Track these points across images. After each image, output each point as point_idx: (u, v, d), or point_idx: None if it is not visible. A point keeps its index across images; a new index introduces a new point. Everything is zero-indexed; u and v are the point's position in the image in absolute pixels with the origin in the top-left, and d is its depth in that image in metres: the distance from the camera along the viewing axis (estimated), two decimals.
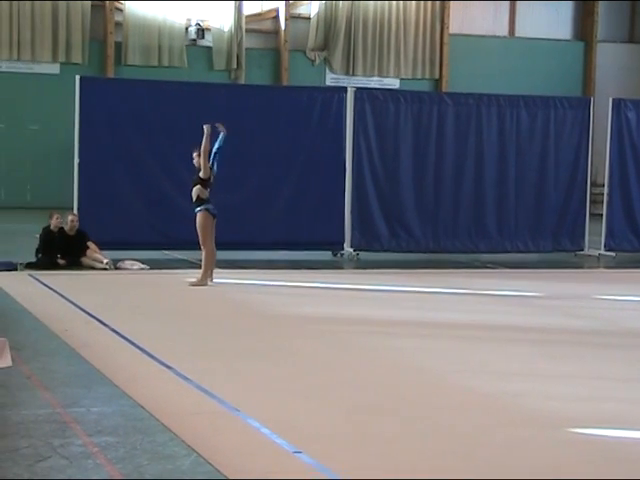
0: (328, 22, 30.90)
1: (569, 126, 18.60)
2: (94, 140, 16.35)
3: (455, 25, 32.08)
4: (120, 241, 15.97)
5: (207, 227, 13.56)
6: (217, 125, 13.59)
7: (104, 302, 11.83)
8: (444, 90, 30.42)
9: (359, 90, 18.14)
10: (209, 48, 29.94)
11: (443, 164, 17.93)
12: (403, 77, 31.39)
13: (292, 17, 30.71)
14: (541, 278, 16.09)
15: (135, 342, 9.31)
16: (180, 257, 16.50)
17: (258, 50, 30.51)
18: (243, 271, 15.39)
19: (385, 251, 17.68)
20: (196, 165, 13.58)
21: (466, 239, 18.09)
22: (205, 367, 8.36)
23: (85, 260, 15.23)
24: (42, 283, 13.37)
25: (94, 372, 8.05)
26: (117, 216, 16.28)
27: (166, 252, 16.86)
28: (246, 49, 30.10)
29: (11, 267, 14.62)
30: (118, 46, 29.13)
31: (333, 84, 29.83)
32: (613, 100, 19.23)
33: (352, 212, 17.45)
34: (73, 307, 11.43)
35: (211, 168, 13.57)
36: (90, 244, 15.37)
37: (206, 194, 13.52)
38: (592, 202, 19.45)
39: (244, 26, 30.01)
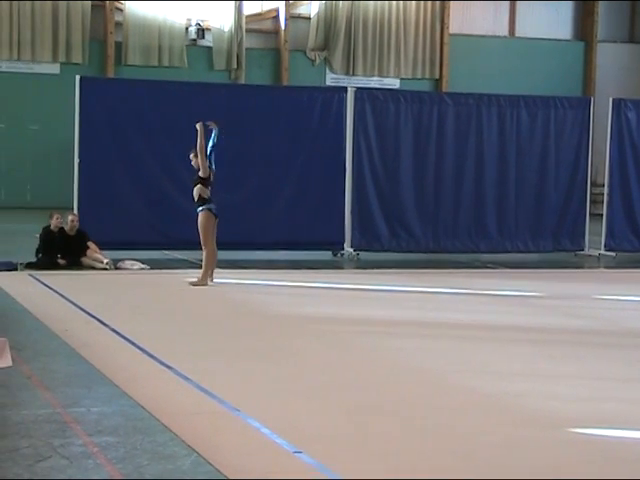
0: (328, 22, 30.91)
1: (569, 126, 18.60)
2: (94, 140, 16.35)
3: (455, 25, 32.08)
4: (120, 241, 15.97)
5: (209, 227, 13.55)
6: (208, 123, 13.57)
7: (104, 302, 11.82)
8: (444, 90, 30.43)
9: (359, 90, 18.15)
10: (209, 48, 29.95)
11: (443, 164, 17.93)
12: (403, 77, 31.39)
13: (292, 17, 30.72)
14: (541, 278, 16.09)
15: (135, 342, 9.31)
16: (180, 257, 16.50)
17: (258, 50, 30.52)
18: (243, 271, 15.39)
19: (385, 251, 17.68)
20: (194, 166, 13.57)
21: (466, 239, 18.09)
22: (205, 367, 8.35)
23: (85, 260, 15.23)
24: (42, 283, 13.37)
25: (94, 372, 8.05)
26: (117, 216, 16.28)
27: (166, 252, 16.86)
28: (246, 49, 30.10)
29: (11, 267, 14.62)
30: (118, 46, 29.14)
31: (333, 84, 29.83)
32: (613, 100, 19.23)
33: (352, 212, 17.45)
34: (73, 307, 11.43)
35: (209, 167, 13.56)
36: (90, 244, 15.37)
37: (207, 193, 13.51)
38: (592, 202, 19.45)
39: (244, 26, 30.02)
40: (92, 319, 10.61)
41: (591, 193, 19.10)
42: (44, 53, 28.57)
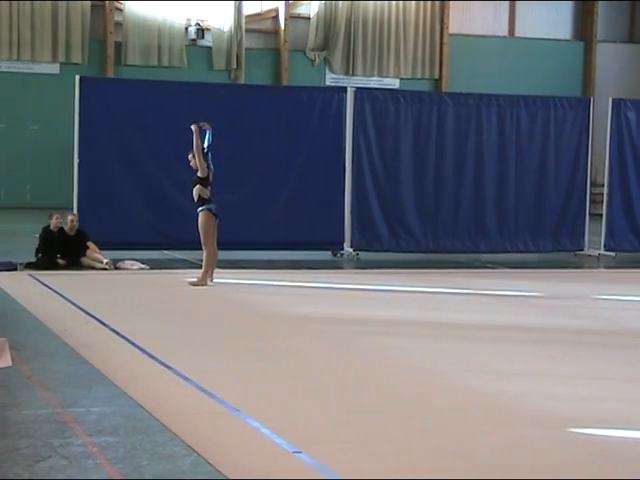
0: (328, 22, 30.91)
1: (569, 126, 18.60)
2: (94, 140, 16.35)
3: (455, 25, 32.08)
4: (120, 241, 15.97)
5: (209, 227, 13.55)
6: (202, 124, 13.58)
7: (104, 302, 11.82)
8: (444, 90, 30.43)
9: (359, 90, 18.15)
10: (209, 48, 29.95)
11: (443, 164, 17.93)
12: (403, 77, 31.39)
13: (292, 17, 30.71)
14: (541, 278, 16.09)
15: (135, 342, 9.31)
16: (180, 257, 16.50)
17: (258, 50, 30.52)
18: (243, 271, 15.39)
19: (385, 251, 17.68)
20: (193, 167, 13.57)
21: (466, 239, 18.09)
22: (205, 367, 8.35)
23: (85, 260, 15.23)
24: (42, 283, 13.37)
25: (94, 372, 8.05)
26: (117, 216, 16.27)
27: (166, 252, 16.86)
28: (246, 49, 30.10)
29: (11, 267, 14.62)
30: (118, 46, 29.14)
31: (333, 84, 29.84)
32: (613, 100, 19.23)
33: (352, 212, 17.45)
34: (73, 307, 11.43)
35: (208, 167, 13.56)
36: (90, 244, 15.37)
37: (207, 193, 13.51)
38: (592, 202, 19.46)
39: (244, 26, 30.02)
40: (92, 319, 10.60)
41: (591, 193, 19.10)
42: (44, 53, 28.56)
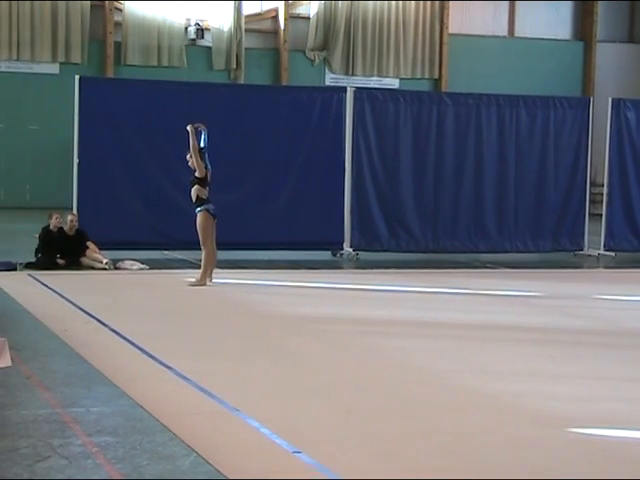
0: (327, 22, 30.91)
1: (569, 126, 18.60)
2: (93, 140, 16.34)
3: (454, 25, 32.09)
4: (119, 241, 15.97)
5: (207, 227, 13.54)
6: (197, 125, 13.59)
7: (104, 302, 11.82)
8: (443, 90, 30.44)
9: (359, 90, 18.15)
10: (209, 48, 29.95)
11: (443, 164, 17.93)
12: (402, 77, 31.40)
13: (291, 17, 30.72)
14: (541, 278, 16.09)
15: (135, 342, 9.31)
16: (180, 257, 16.50)
17: (258, 50, 30.52)
18: (243, 271, 15.38)
19: (385, 251, 17.68)
20: (191, 166, 13.57)
21: (466, 239, 18.09)
22: (205, 367, 8.35)
23: (84, 260, 15.23)
24: (42, 283, 13.37)
25: (94, 372, 8.04)
26: (117, 216, 16.27)
27: (165, 252, 16.86)
28: (246, 49, 30.11)
29: (11, 267, 14.61)
30: (118, 46, 29.15)
31: (332, 84, 29.85)
32: (612, 100, 19.23)
33: (352, 212, 17.44)
34: (73, 307, 11.42)
35: (206, 167, 13.56)
36: (89, 244, 15.37)
37: (205, 193, 13.51)
38: (592, 202, 19.47)
39: (243, 26, 30.03)
40: (91, 319, 10.60)
41: (590, 193, 19.11)
42: (43, 53, 28.57)
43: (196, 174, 13.53)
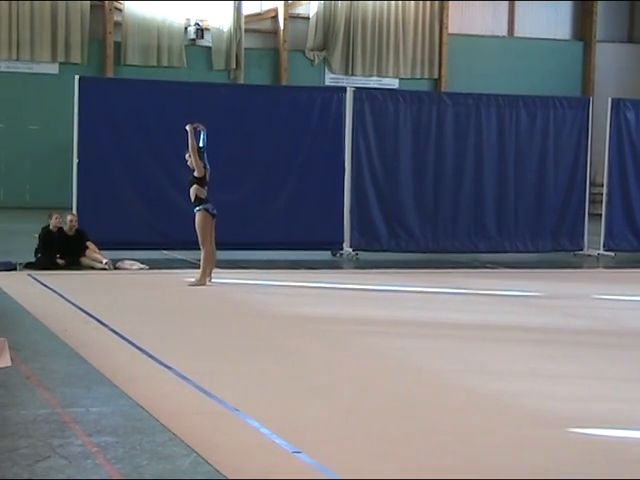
0: (327, 22, 30.92)
1: (568, 126, 18.60)
2: (93, 140, 16.34)
3: (454, 25, 32.10)
4: (119, 241, 15.97)
5: (206, 227, 13.54)
6: (196, 125, 13.59)
7: (103, 302, 11.81)
8: (443, 90, 30.45)
9: (358, 90, 18.15)
10: (208, 48, 29.96)
11: (442, 164, 17.93)
12: (402, 77, 31.41)
13: (291, 17, 30.72)
14: (540, 278, 16.09)
15: (134, 342, 9.30)
16: (179, 257, 16.50)
17: (257, 50, 30.52)
18: (243, 271, 15.38)
19: (384, 251, 17.68)
20: (190, 166, 13.57)
21: (465, 239, 18.09)
22: (205, 367, 8.35)
23: (84, 260, 15.22)
24: (41, 283, 13.37)
25: (93, 372, 8.04)
26: (116, 216, 16.27)
27: (165, 252, 16.86)
28: (245, 49, 30.12)
29: (10, 267, 14.61)
30: (117, 46, 29.16)
31: (332, 84, 29.86)
32: (612, 100, 19.23)
33: (351, 212, 17.45)
34: (72, 307, 11.42)
35: (204, 166, 13.56)
36: (89, 244, 15.37)
37: (204, 193, 13.51)
38: (591, 202, 19.47)
39: (243, 26, 30.04)
40: (91, 319, 10.60)
41: (590, 193, 19.11)
42: (43, 53, 28.58)
43: (195, 174, 13.53)
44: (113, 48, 29.04)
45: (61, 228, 15.41)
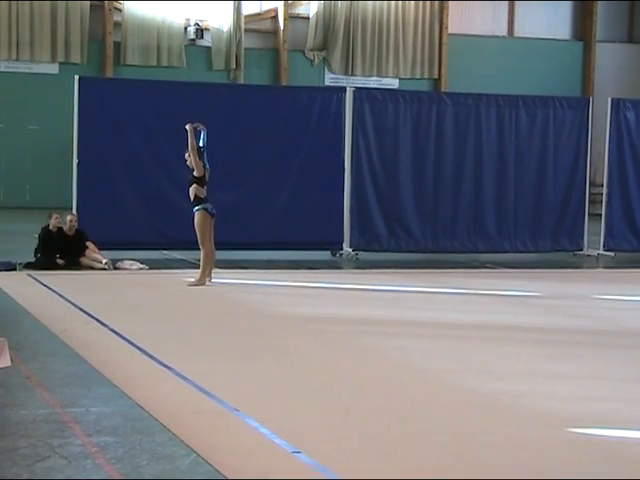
0: (327, 22, 30.93)
1: (568, 126, 18.61)
2: (93, 140, 16.35)
3: (454, 25, 32.10)
4: (119, 241, 15.97)
5: (205, 227, 13.54)
6: (196, 125, 13.60)
7: (103, 302, 11.81)
8: (443, 90, 30.46)
9: (358, 90, 18.15)
10: (208, 48, 29.97)
11: (442, 164, 17.93)
12: (402, 77, 31.42)
13: (291, 17, 30.73)
14: (540, 278, 16.09)
15: (134, 342, 9.31)
16: (179, 257, 16.50)
17: (257, 50, 30.53)
18: (242, 271, 15.39)
19: (384, 251, 17.68)
20: (189, 165, 13.57)
21: (465, 239, 18.09)
22: (204, 367, 8.35)
23: (84, 260, 15.23)
24: (41, 283, 13.37)
25: (93, 372, 8.04)
26: (116, 216, 16.27)
27: (165, 252, 16.87)
28: (245, 49, 30.12)
29: (10, 267, 14.61)
30: (117, 46, 29.17)
31: (332, 84, 29.86)
32: (612, 100, 19.23)
33: (351, 212, 17.45)
34: (72, 307, 11.42)
35: (204, 166, 13.56)
36: (89, 244, 15.37)
37: (203, 193, 13.51)
38: (591, 202, 19.46)
39: (243, 26, 30.05)
40: (91, 319, 10.60)
41: (590, 193, 19.10)
42: (43, 53, 28.58)
43: (194, 173, 13.53)
44: (113, 48, 29.05)
45: (61, 228, 15.41)
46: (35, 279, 13.76)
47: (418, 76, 31.65)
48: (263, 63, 30.55)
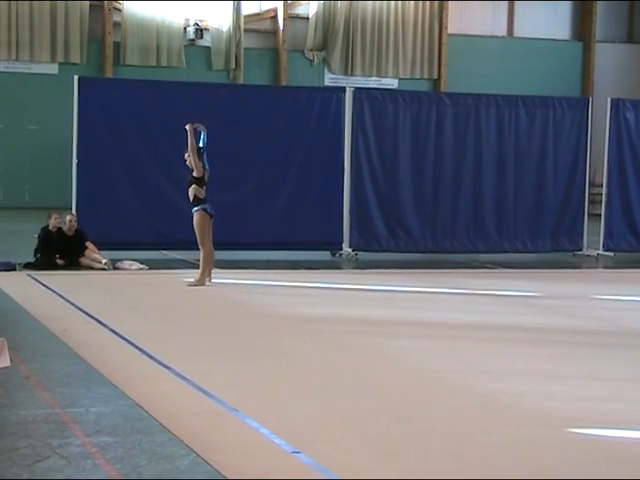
0: (327, 22, 30.93)
1: (568, 126, 18.60)
2: (93, 140, 16.35)
3: (454, 25, 32.11)
4: (119, 241, 15.97)
5: (204, 227, 13.55)
6: (196, 125, 13.60)
7: (103, 302, 11.82)
8: (443, 90, 30.46)
9: (358, 90, 18.14)
10: (208, 48, 29.97)
11: (442, 164, 17.93)
12: (402, 77, 31.42)
13: (291, 17, 30.73)
14: (540, 278, 16.09)
15: (134, 342, 9.31)
16: (178, 257, 16.50)
17: (257, 50, 30.53)
18: (242, 271, 15.39)
19: (384, 251, 17.68)
20: (189, 165, 13.58)
21: (465, 239, 18.09)
22: (204, 367, 8.35)
23: (84, 260, 15.23)
24: (41, 283, 13.37)
25: (93, 372, 8.04)
26: (116, 216, 16.27)
27: (164, 252, 16.87)
28: (245, 49, 30.12)
29: (10, 267, 14.61)
30: (117, 46, 29.17)
31: (332, 84, 29.86)
32: (612, 100, 19.23)
33: (351, 212, 17.45)
34: (72, 307, 11.42)
35: (204, 167, 13.56)
36: (88, 244, 15.37)
37: (203, 193, 13.51)
38: (591, 202, 19.45)
39: (243, 26, 30.05)
40: (91, 319, 10.60)
41: (589, 193, 19.10)
42: (42, 53, 28.58)
43: (194, 174, 13.54)
44: (112, 48, 29.05)
45: (60, 228, 15.41)
46: (35, 279, 13.76)
47: (418, 76, 31.65)
48: (263, 63, 30.56)
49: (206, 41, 30.00)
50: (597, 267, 17.89)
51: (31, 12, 28.45)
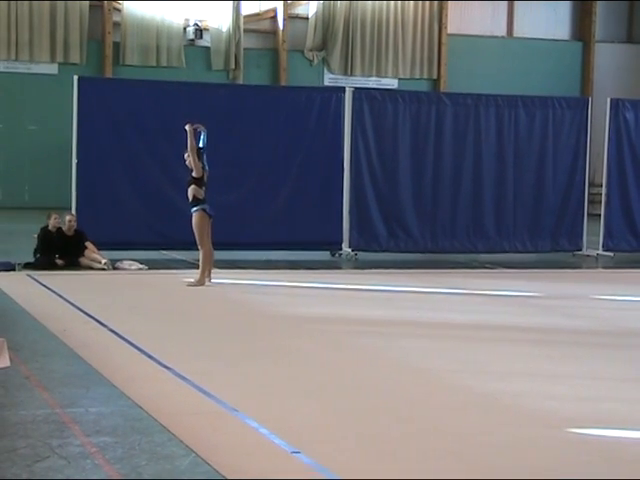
0: (326, 22, 30.92)
1: (567, 126, 18.61)
2: (92, 140, 16.34)
3: (453, 25, 32.10)
4: (118, 241, 15.97)
5: (203, 227, 13.55)
6: (196, 126, 13.60)
7: (102, 302, 11.82)
8: (442, 90, 30.45)
9: (357, 90, 18.14)
10: (207, 48, 29.96)
11: (441, 164, 17.93)
12: (401, 77, 31.41)
13: (290, 17, 30.72)
14: (539, 278, 16.09)
15: (133, 342, 9.31)
16: (178, 257, 16.50)
17: (256, 50, 30.52)
18: (241, 271, 15.39)
19: (383, 251, 17.68)
20: (188, 166, 13.57)
21: (464, 239, 18.09)
22: (203, 367, 8.35)
23: (83, 260, 15.23)
24: (40, 283, 13.37)
25: (92, 372, 8.04)
26: (115, 216, 16.27)
27: (164, 252, 16.86)
28: (244, 49, 30.11)
29: (9, 267, 14.61)
30: (116, 46, 29.15)
31: (331, 84, 29.85)
32: (611, 100, 19.23)
33: (350, 212, 17.45)
34: (71, 307, 11.42)
35: (203, 167, 13.56)
36: (88, 244, 15.37)
37: (202, 193, 13.51)
38: (590, 202, 19.44)
39: (242, 26, 30.03)
40: (90, 319, 10.60)
41: (589, 193, 19.10)
42: (42, 53, 28.56)
43: (193, 174, 13.54)
44: (112, 48, 29.04)
45: (60, 228, 15.41)
46: (34, 279, 13.76)
47: (417, 76, 31.65)
48: (262, 63, 30.55)
49: (206, 41, 29.99)
50: (597, 267, 17.90)
51: (31, 12, 28.44)
